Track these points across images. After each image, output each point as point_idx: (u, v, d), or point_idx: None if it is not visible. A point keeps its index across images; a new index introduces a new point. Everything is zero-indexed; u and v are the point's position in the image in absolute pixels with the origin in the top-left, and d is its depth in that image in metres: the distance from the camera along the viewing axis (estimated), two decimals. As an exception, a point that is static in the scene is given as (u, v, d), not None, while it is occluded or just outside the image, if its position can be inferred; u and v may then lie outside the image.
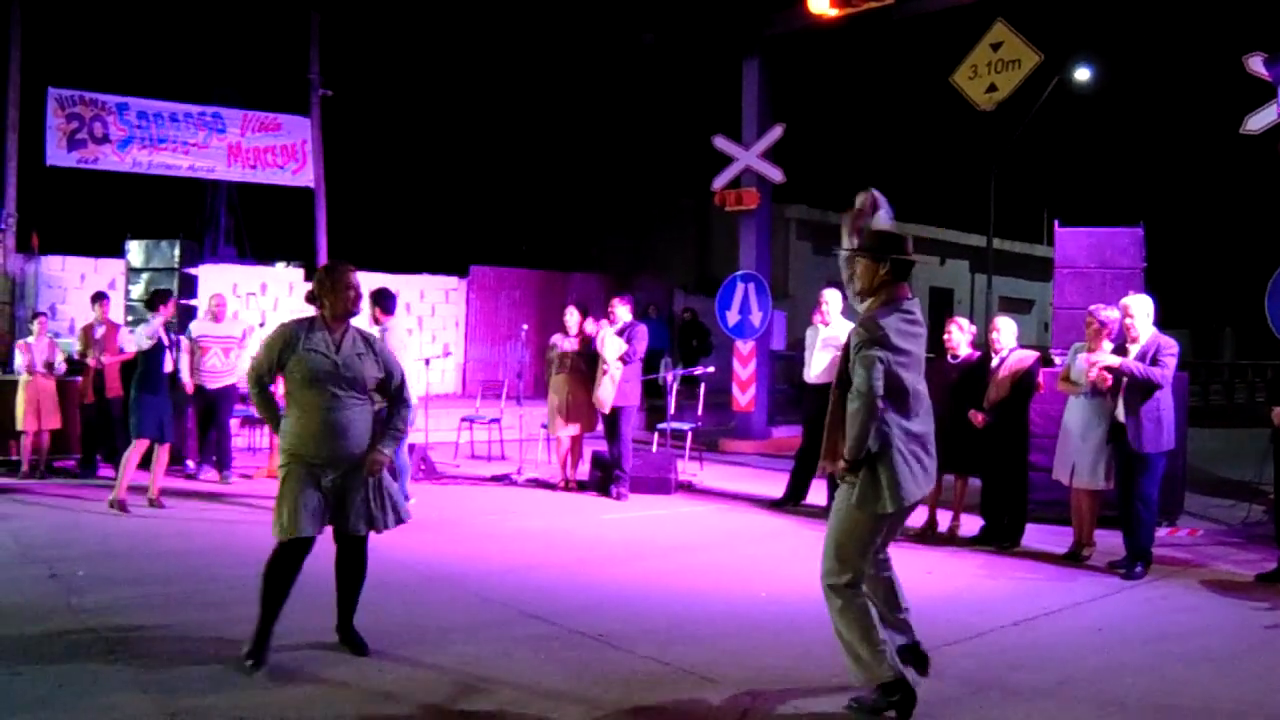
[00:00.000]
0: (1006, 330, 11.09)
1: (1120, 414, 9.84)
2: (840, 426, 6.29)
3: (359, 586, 7.24)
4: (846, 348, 6.37)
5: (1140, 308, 9.92)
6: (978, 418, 10.86)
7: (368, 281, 19.05)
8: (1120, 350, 9.94)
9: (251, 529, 10.81)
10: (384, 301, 12.47)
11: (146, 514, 11.57)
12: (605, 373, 13.46)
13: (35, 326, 14.44)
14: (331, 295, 7.06)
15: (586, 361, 13.85)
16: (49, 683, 6.45)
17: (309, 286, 7.25)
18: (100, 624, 7.64)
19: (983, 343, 11.49)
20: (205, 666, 6.50)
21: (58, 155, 18.90)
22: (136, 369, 12.08)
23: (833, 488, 7.12)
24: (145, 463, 12.01)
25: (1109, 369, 9.81)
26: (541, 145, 32.79)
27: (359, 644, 7.13)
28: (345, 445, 6.88)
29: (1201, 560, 10.63)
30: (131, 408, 12.02)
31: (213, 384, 14.45)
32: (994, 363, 10.99)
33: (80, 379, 14.54)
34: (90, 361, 14.28)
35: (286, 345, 6.95)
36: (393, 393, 7.25)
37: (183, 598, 8.33)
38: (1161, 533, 10.92)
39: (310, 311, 7.12)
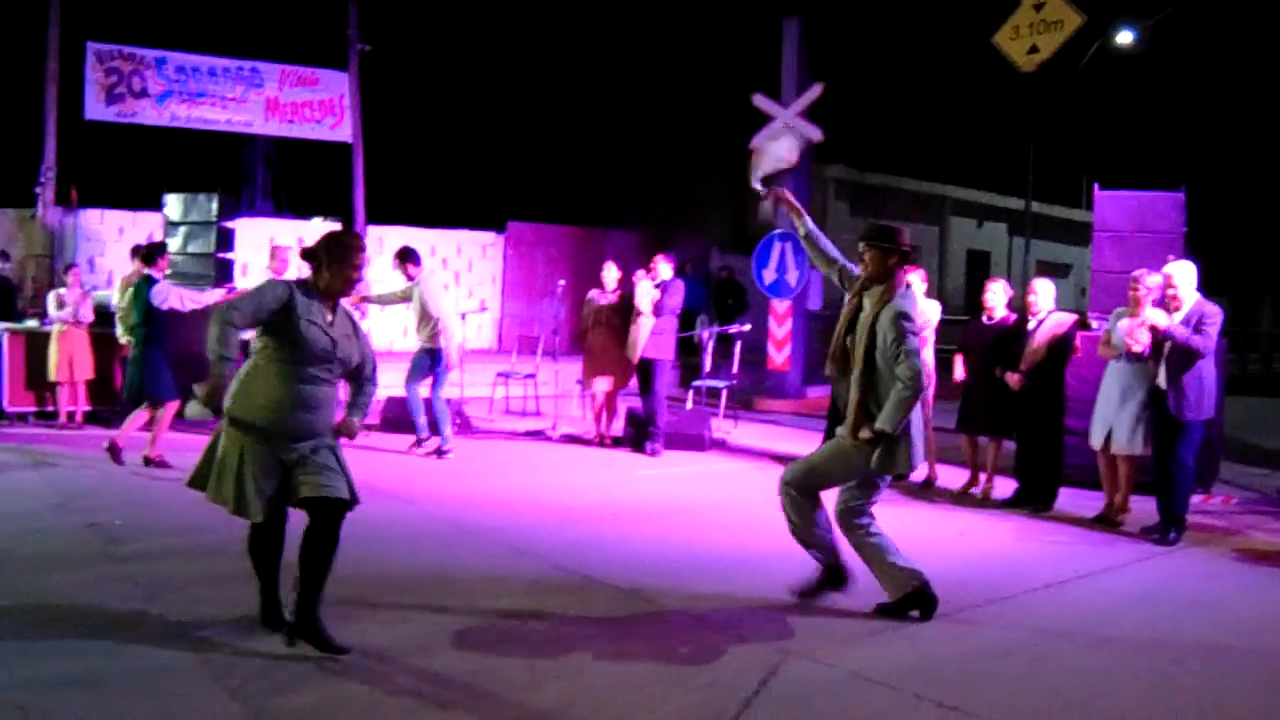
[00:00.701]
0: (1044, 293, 11.03)
1: (1161, 381, 9.78)
2: (868, 402, 7.16)
3: (328, 566, 6.27)
4: (853, 317, 7.37)
5: (1184, 275, 9.83)
6: (1013, 378, 10.82)
7: (404, 237, 19.32)
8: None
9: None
10: (412, 257, 13.09)
11: (184, 465, 11.61)
12: (638, 322, 13.52)
13: (68, 278, 14.53)
14: (334, 268, 6.40)
15: (622, 317, 13.86)
16: (89, 628, 6.53)
17: (308, 245, 6.61)
18: (138, 571, 7.75)
19: (1020, 306, 11.45)
20: (240, 613, 6.56)
21: (96, 109, 18.99)
22: (146, 327, 11.68)
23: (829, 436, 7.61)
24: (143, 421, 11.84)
25: (1154, 329, 9.74)
26: (580, 102, 32.69)
27: (327, 641, 6.23)
28: (314, 421, 6.28)
29: (1236, 528, 10.59)
30: (150, 369, 11.63)
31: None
32: (1031, 325, 10.94)
33: (117, 330, 14.60)
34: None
35: (284, 307, 6.19)
36: (364, 376, 6.69)
37: (217, 546, 8.36)
38: (1196, 500, 10.88)
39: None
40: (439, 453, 12.97)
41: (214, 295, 12.23)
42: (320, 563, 6.21)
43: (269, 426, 6.18)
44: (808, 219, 7.78)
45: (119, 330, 13.56)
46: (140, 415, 11.68)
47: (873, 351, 7.15)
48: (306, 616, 6.22)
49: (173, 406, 11.77)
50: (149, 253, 12.04)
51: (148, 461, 11.58)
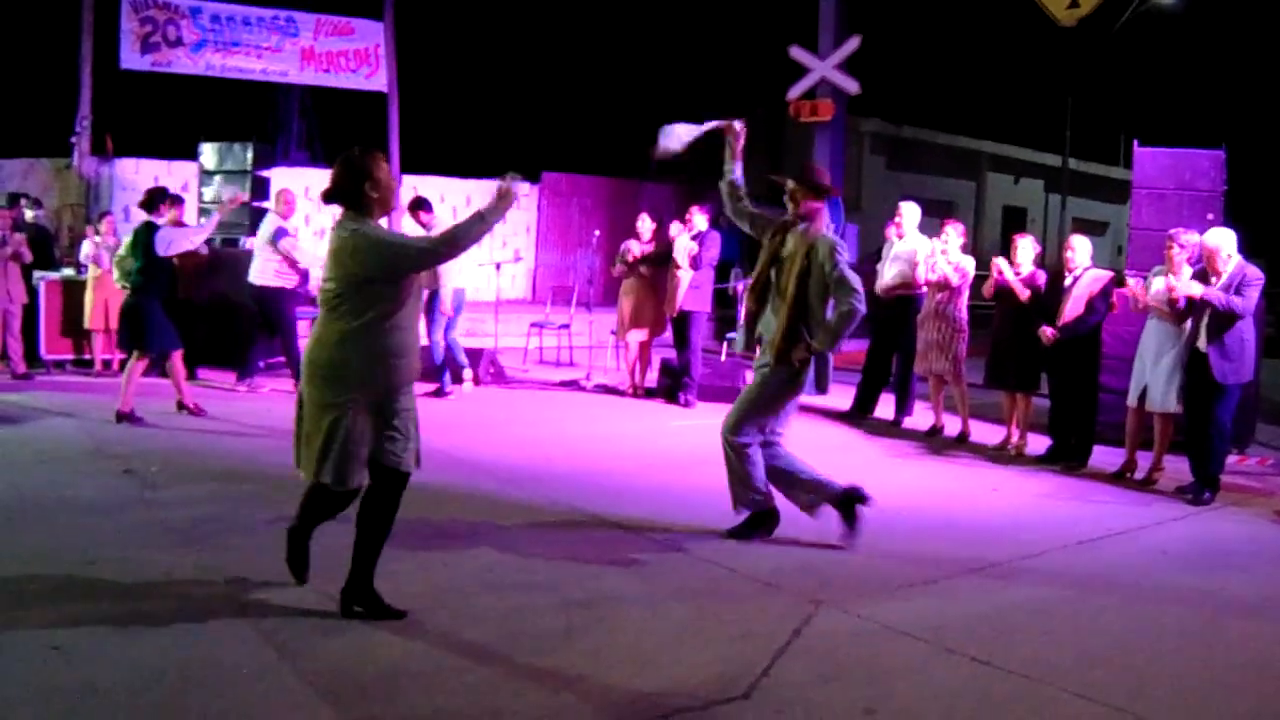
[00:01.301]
0: (1081, 249, 10.94)
1: (1202, 344, 9.69)
2: (799, 327, 7.67)
3: (386, 534, 6.06)
4: (777, 253, 7.89)
5: (1224, 243, 9.69)
6: (1048, 332, 10.74)
7: (439, 187, 19.37)
8: (1201, 277, 9.77)
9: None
10: (425, 205, 13.41)
11: (218, 414, 11.69)
12: (676, 274, 13.52)
13: (103, 226, 14.57)
14: (388, 193, 6.07)
15: (657, 268, 13.86)
16: (126, 573, 6.58)
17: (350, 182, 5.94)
18: (173, 517, 7.79)
19: (1056, 262, 11.38)
20: (275, 559, 6.61)
21: (132, 59, 18.99)
22: (145, 276, 11.23)
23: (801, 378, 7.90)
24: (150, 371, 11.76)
25: (1189, 298, 9.67)
26: (616, 52, 32.57)
27: (386, 607, 6.03)
28: (415, 367, 6.06)
29: (1271, 489, 10.50)
30: (151, 319, 11.16)
31: (278, 283, 13.44)
32: (1067, 281, 10.87)
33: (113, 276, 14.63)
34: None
35: None
36: None
37: (253, 495, 8.44)
38: (1231, 460, 10.81)
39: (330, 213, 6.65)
40: (439, 394, 13.24)
41: (213, 221, 12.03)
42: (382, 530, 6.02)
43: (385, 383, 5.85)
44: (739, 165, 8.23)
45: (115, 276, 13.05)
46: (135, 369, 11.23)
47: (805, 281, 7.64)
48: (368, 587, 6.04)
49: (179, 355, 11.51)
50: (149, 199, 11.59)
51: (181, 407, 11.63)
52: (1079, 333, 10.64)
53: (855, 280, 7.52)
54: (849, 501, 7.81)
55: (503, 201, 6.10)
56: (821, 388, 7.85)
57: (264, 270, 13.29)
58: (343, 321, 5.76)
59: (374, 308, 5.75)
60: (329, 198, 5.97)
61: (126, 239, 12.28)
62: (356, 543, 6.03)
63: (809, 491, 7.91)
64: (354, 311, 5.74)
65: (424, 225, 12.99)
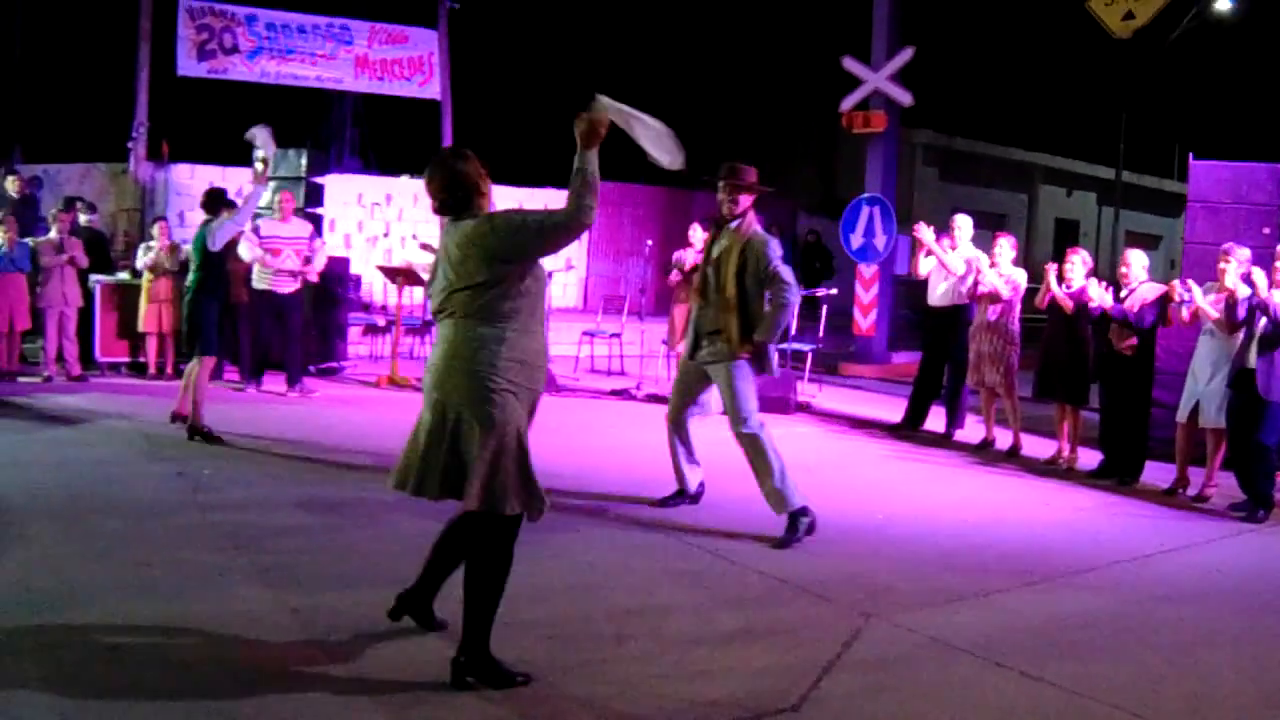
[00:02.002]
0: (1136, 263, 10.86)
1: (1251, 359, 9.61)
2: (742, 319, 8.16)
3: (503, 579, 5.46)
4: (713, 249, 8.44)
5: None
6: (1130, 340, 10.59)
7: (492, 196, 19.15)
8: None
9: (372, 432, 11.06)
10: None
11: (273, 417, 11.77)
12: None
13: (156, 230, 14.68)
14: (490, 190, 5.67)
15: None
16: (179, 574, 6.64)
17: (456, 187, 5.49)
18: (225, 520, 7.84)
19: (1110, 277, 11.29)
20: (323, 563, 6.64)
21: (188, 66, 19.17)
22: (201, 273, 10.95)
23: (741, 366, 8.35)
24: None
25: (1253, 301, 9.56)
26: (668, 62, 32.58)
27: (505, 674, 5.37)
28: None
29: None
30: (204, 318, 10.89)
31: (285, 288, 13.43)
32: (1122, 295, 10.78)
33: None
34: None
35: None
36: None
37: (304, 499, 8.51)
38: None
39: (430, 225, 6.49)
40: None
41: (252, 200, 11.36)
42: (497, 575, 5.46)
43: (536, 387, 5.53)
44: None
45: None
46: (201, 373, 10.80)
47: (743, 276, 8.15)
48: (480, 646, 5.38)
49: (209, 363, 10.98)
50: (209, 200, 11.36)
51: (175, 418, 11.06)
52: (1140, 324, 10.45)
53: (788, 274, 8.16)
54: (681, 495, 8.98)
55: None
56: (766, 371, 8.38)
57: (258, 276, 13.39)
58: (491, 326, 5.30)
59: (518, 307, 5.35)
60: (443, 211, 5.53)
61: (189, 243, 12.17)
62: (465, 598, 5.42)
63: (676, 470, 8.98)
64: (502, 313, 5.32)
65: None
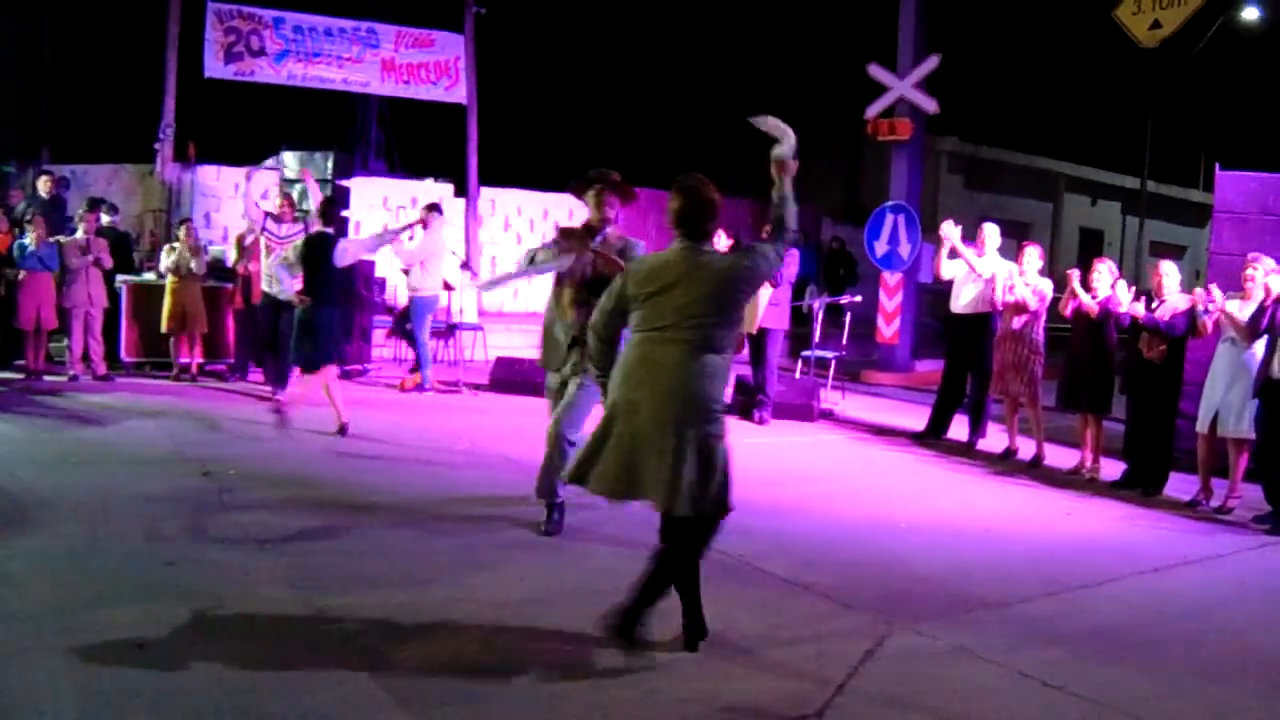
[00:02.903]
0: (1172, 275, 10.80)
1: (1275, 370, 9.59)
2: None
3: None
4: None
5: None
6: (1160, 347, 10.57)
7: (516, 200, 19.58)
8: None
9: (398, 435, 11.11)
10: (438, 207, 14.79)
11: (297, 419, 11.79)
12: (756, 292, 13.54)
13: (181, 233, 14.74)
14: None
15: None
16: (204, 574, 6.68)
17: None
18: (250, 520, 7.87)
19: (1143, 288, 11.25)
20: (350, 564, 6.67)
21: (215, 68, 19.25)
22: (328, 287, 11.09)
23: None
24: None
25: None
26: (694, 68, 32.60)
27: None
28: None
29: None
30: (332, 328, 11.16)
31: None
32: (1154, 305, 10.74)
33: (229, 285, 14.85)
34: (239, 269, 14.57)
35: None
36: None
37: (330, 500, 8.53)
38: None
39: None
40: (419, 388, 14.34)
41: (391, 233, 12.84)
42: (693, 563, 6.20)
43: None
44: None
45: (263, 284, 13.49)
46: (331, 382, 11.11)
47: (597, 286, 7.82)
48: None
49: (332, 370, 11.21)
50: (325, 210, 11.52)
51: (341, 431, 11.18)
52: (1172, 332, 10.42)
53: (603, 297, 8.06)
54: (551, 507, 8.13)
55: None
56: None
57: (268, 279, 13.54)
58: (723, 355, 5.86)
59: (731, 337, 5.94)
60: (681, 225, 5.95)
61: (291, 247, 11.86)
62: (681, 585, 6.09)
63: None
64: (730, 343, 5.92)
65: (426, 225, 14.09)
